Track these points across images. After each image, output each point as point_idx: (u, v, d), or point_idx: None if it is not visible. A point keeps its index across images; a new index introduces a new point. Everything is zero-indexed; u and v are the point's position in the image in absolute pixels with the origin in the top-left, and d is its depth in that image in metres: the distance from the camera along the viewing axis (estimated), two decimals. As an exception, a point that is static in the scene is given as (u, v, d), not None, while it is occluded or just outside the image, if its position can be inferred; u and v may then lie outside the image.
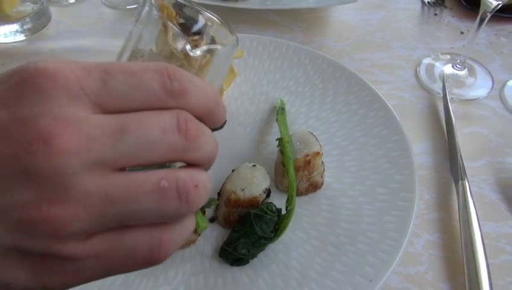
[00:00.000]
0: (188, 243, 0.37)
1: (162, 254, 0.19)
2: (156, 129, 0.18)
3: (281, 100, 0.48)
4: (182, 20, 0.28)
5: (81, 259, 0.18)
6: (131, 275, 0.35)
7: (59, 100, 0.17)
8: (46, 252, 0.17)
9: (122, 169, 0.18)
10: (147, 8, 0.25)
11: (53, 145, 0.16)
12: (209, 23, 0.27)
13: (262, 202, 0.38)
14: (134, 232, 0.19)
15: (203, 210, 0.37)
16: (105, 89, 0.18)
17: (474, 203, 0.40)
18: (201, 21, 0.27)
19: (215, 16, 0.26)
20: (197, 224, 0.33)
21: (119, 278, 0.35)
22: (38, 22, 0.62)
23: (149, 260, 0.19)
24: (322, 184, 0.41)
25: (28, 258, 0.18)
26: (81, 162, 0.17)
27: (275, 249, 0.37)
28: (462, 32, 0.64)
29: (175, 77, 0.19)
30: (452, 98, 0.53)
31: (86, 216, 0.17)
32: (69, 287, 0.19)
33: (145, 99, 0.19)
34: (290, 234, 0.37)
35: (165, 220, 0.19)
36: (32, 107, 0.17)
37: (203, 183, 0.20)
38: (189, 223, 0.20)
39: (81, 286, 0.33)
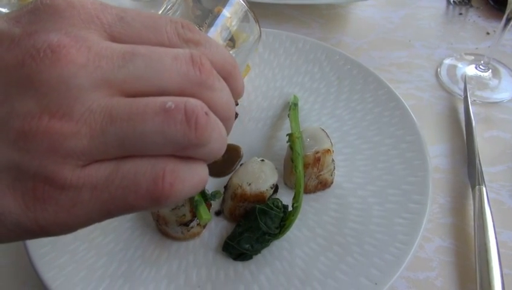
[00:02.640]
0: (193, 236, 0.37)
1: (166, 186, 0.17)
2: (167, 57, 0.18)
3: (294, 96, 0.47)
4: (198, 12, 0.28)
5: (76, 188, 0.17)
6: (135, 264, 0.35)
7: (73, 21, 0.18)
8: (40, 173, 0.16)
9: (130, 96, 0.17)
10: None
11: (61, 55, 0.16)
12: (227, 14, 0.27)
13: (269, 198, 0.37)
14: (136, 161, 0.17)
15: (209, 203, 0.36)
16: (120, 24, 0.18)
17: (490, 209, 0.39)
18: (215, 13, 0.27)
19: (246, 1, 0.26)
20: (200, 216, 0.33)
21: (123, 266, 0.35)
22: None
23: (152, 193, 0.17)
24: (332, 183, 0.40)
25: (20, 183, 0.16)
26: (88, 76, 0.16)
27: (279, 246, 0.36)
28: (488, 33, 0.61)
29: (189, 28, 0.20)
30: (474, 101, 0.51)
31: (87, 134, 0.16)
32: (62, 227, 0.18)
33: (158, 40, 0.19)
34: (295, 232, 0.37)
35: (173, 150, 0.17)
36: (45, 23, 0.17)
37: (215, 120, 0.18)
38: (201, 169, 0.18)
39: (84, 271, 0.34)
